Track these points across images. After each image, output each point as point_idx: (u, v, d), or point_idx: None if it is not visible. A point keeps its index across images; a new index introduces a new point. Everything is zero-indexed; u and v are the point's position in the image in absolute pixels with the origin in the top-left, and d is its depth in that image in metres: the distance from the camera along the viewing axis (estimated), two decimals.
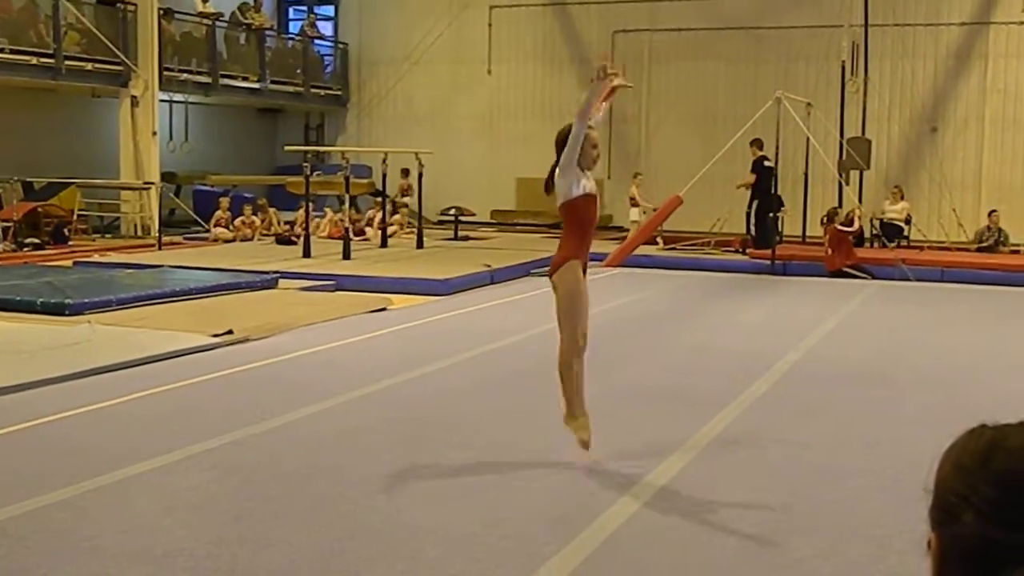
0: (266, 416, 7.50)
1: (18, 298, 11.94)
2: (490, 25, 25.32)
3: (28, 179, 20.10)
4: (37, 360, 9.12)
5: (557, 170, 6.51)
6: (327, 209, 21.72)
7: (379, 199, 20.62)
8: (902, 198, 20.71)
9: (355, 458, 6.57)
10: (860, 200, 19.71)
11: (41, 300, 11.80)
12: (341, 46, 27.34)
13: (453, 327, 11.87)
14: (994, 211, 20.16)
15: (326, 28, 27.97)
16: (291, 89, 25.75)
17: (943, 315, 13.31)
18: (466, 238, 21.53)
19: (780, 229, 19.25)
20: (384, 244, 19.22)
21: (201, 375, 8.89)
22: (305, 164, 18.44)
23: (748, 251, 18.62)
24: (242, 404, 7.95)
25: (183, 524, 5.41)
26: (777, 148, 18.22)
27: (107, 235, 20.89)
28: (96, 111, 22.31)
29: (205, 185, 23.31)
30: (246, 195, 22.44)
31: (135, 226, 21.18)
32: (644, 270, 17.24)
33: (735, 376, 9.09)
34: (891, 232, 20.15)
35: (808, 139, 19.25)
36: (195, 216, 21.46)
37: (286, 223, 21.16)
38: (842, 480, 6.22)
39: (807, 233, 19.94)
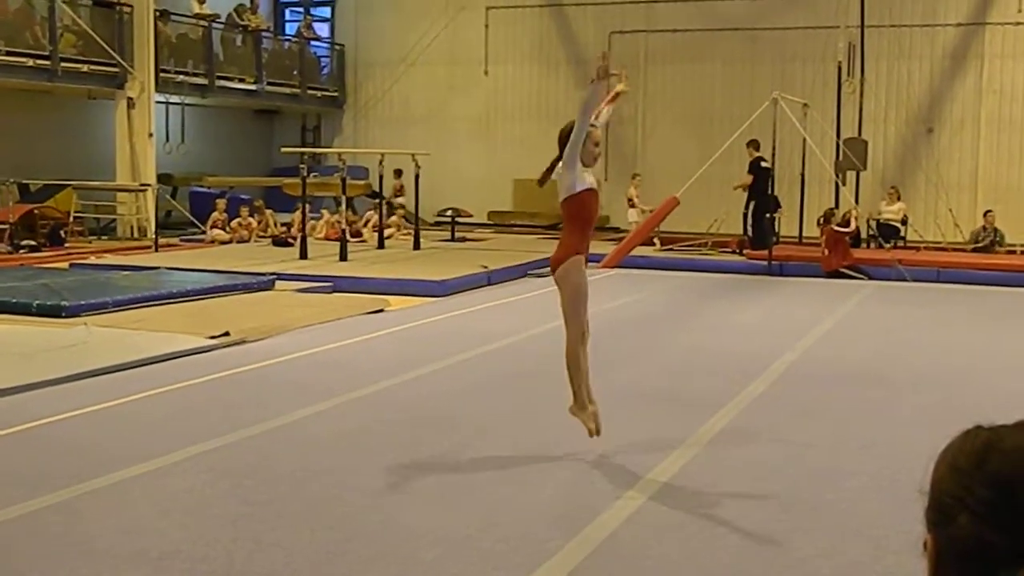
0: (268, 416, 7.49)
1: (14, 300, 11.93)
2: (486, 26, 25.33)
3: (24, 181, 20.07)
4: (33, 362, 9.11)
5: (560, 165, 6.56)
6: (324, 211, 21.71)
7: (376, 200, 20.62)
8: (898, 199, 20.72)
9: (352, 459, 6.56)
10: (856, 201, 19.71)
11: (37, 302, 11.79)
12: (337, 47, 27.33)
13: (450, 328, 11.86)
14: (990, 211, 20.18)
15: (322, 29, 27.96)
16: (287, 91, 25.74)
17: (939, 315, 13.32)
18: (463, 239, 21.54)
19: (777, 230, 19.26)
20: (381, 245, 19.22)
21: (198, 377, 8.88)
22: (302, 166, 18.43)
23: (745, 252, 18.64)
24: (239, 406, 7.95)
25: (180, 526, 5.40)
26: (774, 149, 18.22)
27: (103, 237, 20.87)
28: (92, 113, 22.30)
29: (201, 187, 23.29)
30: (243, 197, 22.42)
31: (131, 228, 21.17)
32: (641, 271, 17.25)
33: (732, 377, 9.09)
34: (887, 233, 20.16)
35: (804, 140, 19.26)
36: (192, 218, 21.46)
37: (283, 225, 21.15)
38: (840, 480, 6.22)
39: (804, 234, 19.94)
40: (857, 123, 21.54)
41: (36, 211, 19.11)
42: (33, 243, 18.33)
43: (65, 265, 16.41)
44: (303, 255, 17.23)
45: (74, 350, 9.67)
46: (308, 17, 27.48)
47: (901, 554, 4.88)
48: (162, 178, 21.84)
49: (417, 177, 19.49)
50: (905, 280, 16.38)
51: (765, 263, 17.45)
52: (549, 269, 6.90)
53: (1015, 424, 1.19)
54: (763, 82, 21.67)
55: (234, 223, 20.72)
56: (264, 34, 25.48)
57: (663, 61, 24.22)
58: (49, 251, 18.17)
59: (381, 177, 20.04)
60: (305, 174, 18.21)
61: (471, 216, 23.03)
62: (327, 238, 20.15)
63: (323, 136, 27.59)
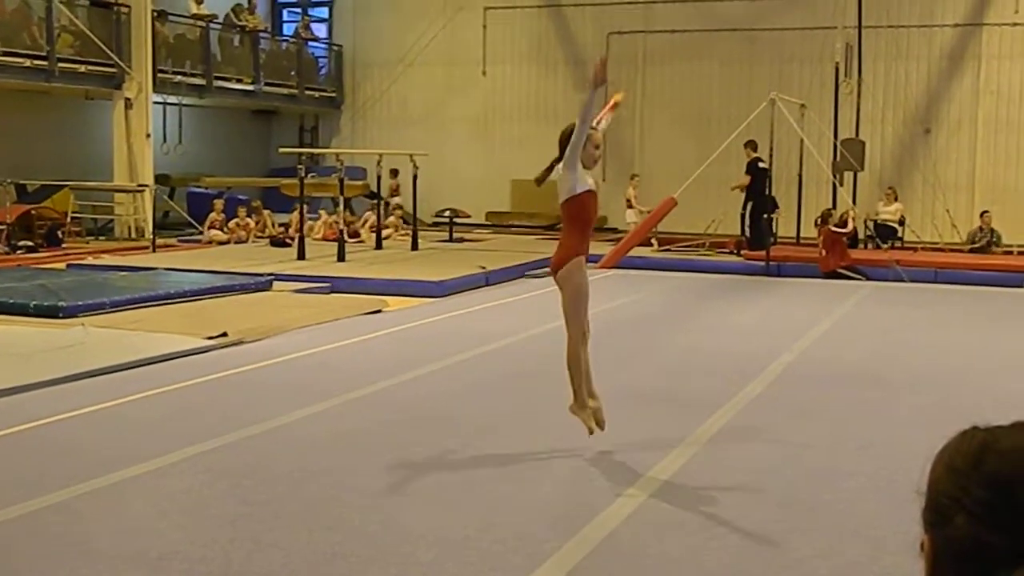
0: (266, 416, 7.50)
1: (11, 300, 11.92)
2: (484, 27, 25.33)
3: (21, 181, 20.06)
4: (31, 363, 9.10)
5: (560, 167, 6.61)
6: (321, 211, 21.70)
7: (374, 201, 20.62)
8: (896, 199, 20.74)
9: (350, 460, 6.57)
10: (854, 201, 19.73)
11: (34, 303, 11.78)
12: (335, 48, 27.34)
13: (448, 329, 11.86)
14: (986, 212, 20.20)
15: (320, 30, 27.96)
16: (285, 91, 25.74)
17: (937, 316, 13.33)
18: (461, 240, 21.54)
19: (774, 230, 19.27)
20: (379, 246, 19.22)
21: (196, 378, 8.88)
22: (299, 166, 18.45)
23: (742, 252, 18.65)
24: (237, 406, 7.95)
25: (178, 526, 5.41)
26: (771, 150, 18.23)
27: (101, 237, 20.87)
28: (90, 113, 22.29)
29: (199, 187, 23.29)
30: (240, 197, 22.41)
31: (129, 228, 21.16)
32: (639, 271, 17.26)
33: (730, 377, 9.10)
34: (885, 233, 20.17)
35: (802, 140, 19.27)
36: (189, 218, 21.46)
37: (280, 225, 21.14)
38: (837, 481, 6.23)
39: (801, 234, 19.96)
40: (854, 124, 21.56)
41: (33, 211, 19.10)
42: (30, 243, 18.33)
43: (62, 266, 16.41)
44: (301, 256, 17.22)
45: (71, 351, 9.67)
46: (306, 17, 27.48)
47: (899, 554, 4.88)
48: (160, 178, 21.83)
49: (415, 178, 19.49)
50: (902, 281, 16.39)
51: (763, 264, 17.46)
52: (549, 270, 6.92)
53: (1011, 425, 1.19)
54: (761, 83, 21.69)
55: (232, 224, 20.71)
56: (262, 34, 25.47)
57: (661, 62, 24.24)
58: (46, 251, 18.16)
59: (379, 178, 20.04)
60: (303, 174, 18.22)
61: (469, 217, 23.03)
62: (325, 239, 20.14)
63: (321, 136, 27.59)
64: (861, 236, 19.95)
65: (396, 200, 22.43)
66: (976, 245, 19.71)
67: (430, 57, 25.46)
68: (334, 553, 5.02)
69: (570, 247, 6.63)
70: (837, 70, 21.32)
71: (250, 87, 24.49)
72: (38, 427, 7.26)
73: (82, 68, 20.32)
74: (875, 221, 20.49)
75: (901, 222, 20.47)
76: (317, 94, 26.78)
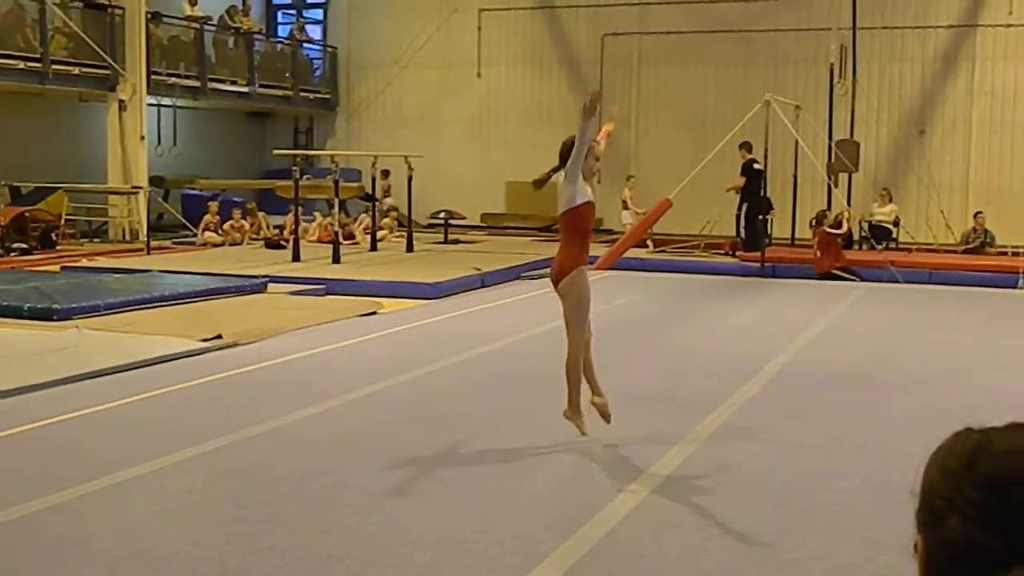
0: (263, 418, 7.49)
1: (5, 303, 11.90)
2: (479, 28, 25.33)
3: (15, 184, 20.04)
4: (26, 365, 9.09)
5: (562, 177, 6.71)
6: (316, 213, 21.68)
7: (369, 203, 20.61)
8: (890, 200, 20.76)
9: (348, 461, 6.57)
10: (848, 202, 19.75)
11: (28, 305, 11.77)
12: (330, 50, 27.33)
13: (444, 331, 11.86)
14: (979, 213, 20.23)
15: (315, 32, 27.95)
16: (280, 93, 25.71)
17: (931, 317, 13.35)
18: (456, 241, 21.53)
19: (769, 231, 19.28)
20: (374, 248, 19.21)
21: (191, 380, 8.88)
22: (294, 168, 18.44)
23: (738, 253, 18.66)
24: (235, 408, 7.95)
25: (178, 527, 5.41)
26: (766, 151, 18.24)
27: (95, 240, 20.85)
28: (84, 115, 22.26)
29: (194, 189, 23.27)
30: (235, 199, 22.39)
31: (123, 230, 21.13)
32: (634, 273, 17.27)
33: (726, 378, 9.11)
34: (879, 234, 20.19)
35: (797, 142, 19.29)
36: (184, 220, 21.43)
37: (275, 227, 21.13)
38: (832, 482, 6.24)
39: (796, 235, 19.99)
40: (849, 125, 21.59)
41: (27, 214, 19.08)
42: (24, 246, 18.30)
43: (56, 268, 16.38)
44: (296, 257, 17.22)
45: (66, 353, 9.66)
46: (300, 19, 27.47)
47: (893, 555, 4.88)
48: (154, 180, 21.81)
49: (410, 179, 19.48)
50: (897, 282, 16.41)
51: (758, 265, 17.47)
52: (550, 280, 6.99)
53: (1005, 426, 1.19)
54: (756, 84, 21.72)
55: (226, 226, 20.70)
56: (256, 36, 25.45)
57: (656, 63, 24.25)
58: (40, 254, 18.14)
59: (374, 179, 20.04)
60: (298, 176, 18.21)
61: (464, 218, 23.01)
62: (320, 240, 20.14)
63: (316, 138, 27.57)
64: (856, 237, 19.97)
65: (388, 201, 22.41)
66: (970, 246, 19.74)
67: (425, 59, 25.45)
68: (330, 556, 5.02)
69: (571, 257, 6.75)
70: (832, 71, 21.35)
71: (245, 89, 24.47)
72: (37, 428, 7.26)
73: (76, 70, 20.29)
74: (870, 222, 20.51)
75: (895, 223, 20.50)
76: (312, 96, 26.76)
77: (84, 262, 17.05)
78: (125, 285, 13.79)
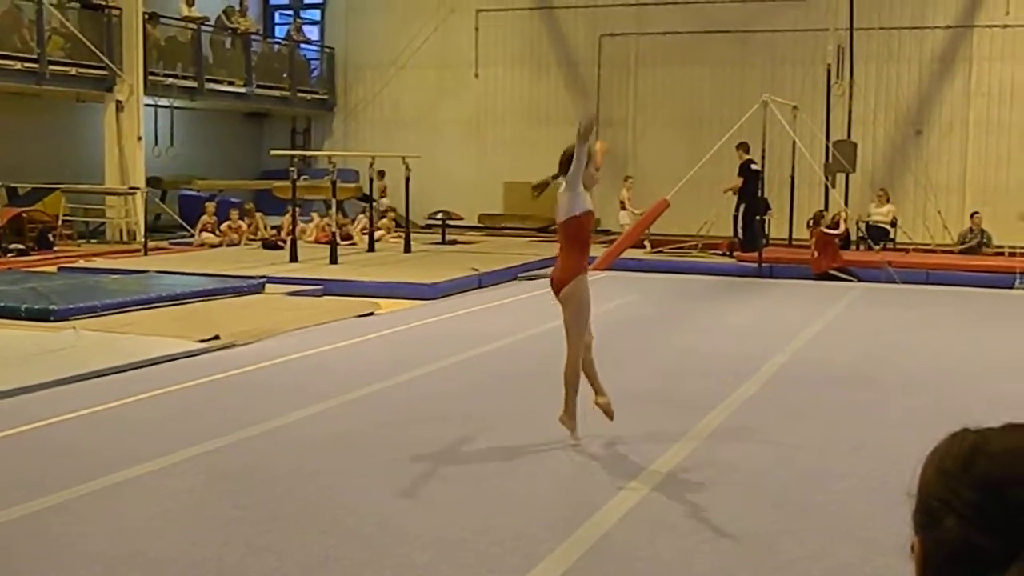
0: (261, 419, 7.49)
1: (2, 304, 11.89)
2: (477, 29, 25.32)
3: (12, 184, 20.03)
4: (24, 366, 9.08)
5: (563, 186, 6.79)
6: (314, 214, 21.69)
7: (366, 203, 20.61)
8: (888, 201, 20.78)
9: (346, 462, 6.56)
10: (846, 203, 19.76)
11: (25, 306, 11.75)
12: (327, 50, 27.32)
13: (442, 331, 11.86)
14: (976, 213, 20.25)
15: (312, 32, 27.94)
16: (277, 93, 25.70)
17: (928, 317, 13.35)
18: (453, 242, 21.53)
19: (767, 232, 19.29)
20: (371, 248, 19.20)
21: (189, 380, 8.87)
22: (292, 168, 18.43)
23: (735, 254, 18.66)
24: (232, 409, 7.94)
25: (176, 528, 5.40)
26: (763, 151, 18.26)
27: (92, 240, 20.83)
28: (81, 116, 22.25)
29: (191, 190, 23.26)
30: (232, 200, 22.38)
31: (120, 231, 21.12)
32: (632, 273, 17.26)
33: (724, 378, 9.12)
34: (877, 235, 20.21)
35: (794, 142, 19.30)
36: (181, 221, 21.42)
37: (273, 228, 21.13)
38: (830, 482, 6.24)
39: (793, 236, 20.00)
40: (846, 125, 21.60)
41: (24, 214, 19.06)
42: (21, 247, 18.29)
43: (53, 269, 16.37)
44: (293, 258, 17.21)
45: (63, 354, 9.65)
46: (298, 20, 27.46)
47: (890, 556, 4.89)
48: (151, 181, 21.79)
49: (407, 180, 19.47)
50: (894, 282, 16.42)
51: (755, 265, 17.48)
52: (550, 288, 7.03)
53: (1002, 427, 1.19)
54: (753, 84, 21.73)
55: (224, 226, 20.69)
56: (253, 37, 25.44)
57: (653, 63, 24.25)
58: (37, 255, 18.13)
59: (371, 180, 20.04)
60: (295, 177, 18.20)
61: (462, 219, 23.03)
62: (317, 241, 20.14)
63: (313, 139, 27.56)
64: (853, 237, 19.99)
65: (384, 201, 22.40)
66: (966, 245, 19.76)
67: (422, 59, 25.45)
68: (328, 556, 5.02)
69: (572, 265, 6.83)
70: (829, 72, 21.36)
71: (242, 89, 24.45)
72: (34, 429, 7.25)
73: (73, 71, 20.28)
74: (867, 222, 20.53)
75: (893, 223, 20.51)
76: (309, 96, 26.75)
77: (81, 263, 17.04)
78: (122, 286, 13.79)
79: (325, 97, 27.10)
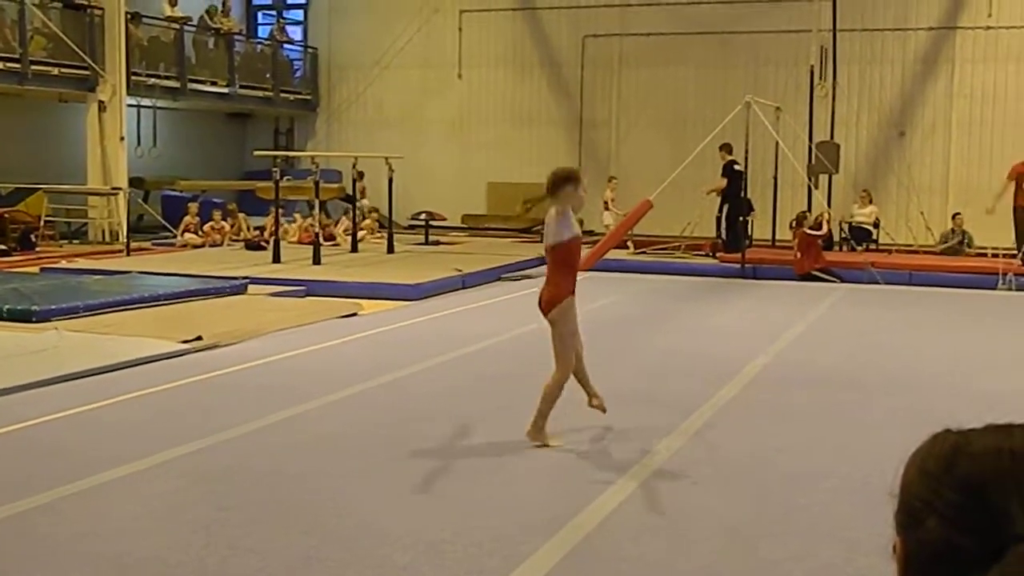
0: (243, 420, 7.46)
1: None
2: (460, 29, 25.31)
3: None
4: (4, 367, 9.03)
5: (552, 213, 6.85)
6: (297, 214, 21.65)
7: (349, 204, 20.58)
8: (870, 202, 20.84)
9: (327, 463, 6.55)
10: (829, 204, 19.80)
11: (7, 307, 11.69)
12: (311, 51, 27.27)
13: (425, 332, 11.85)
14: (958, 214, 20.31)
15: (295, 33, 27.88)
16: (260, 94, 25.64)
17: (911, 318, 13.40)
18: (437, 243, 21.51)
19: (749, 233, 19.33)
20: (354, 249, 19.17)
21: (172, 381, 8.85)
22: (275, 169, 18.38)
23: (718, 255, 18.69)
24: (214, 410, 7.92)
25: (154, 531, 5.38)
26: (746, 152, 18.29)
27: (75, 241, 20.75)
28: (63, 116, 22.15)
29: (174, 190, 23.19)
30: (215, 200, 22.33)
31: (103, 232, 21.03)
32: (615, 274, 17.27)
33: (706, 379, 9.13)
34: (860, 236, 20.27)
35: (777, 143, 19.34)
36: (164, 222, 21.35)
37: (256, 228, 21.07)
38: (812, 483, 6.25)
39: (776, 237, 20.03)
40: (829, 127, 21.64)
41: (6, 215, 18.99)
42: (3, 247, 18.20)
43: (36, 269, 16.30)
44: (276, 259, 17.17)
45: (45, 355, 9.61)
46: (281, 20, 27.39)
47: (872, 556, 4.90)
48: (134, 182, 21.70)
49: (391, 180, 19.44)
50: (877, 283, 16.47)
51: (738, 266, 17.51)
52: (539, 309, 7.07)
53: (984, 427, 1.19)
54: (736, 86, 21.76)
55: (207, 227, 20.64)
56: (236, 37, 25.37)
57: (637, 64, 24.28)
58: (20, 255, 18.04)
59: (355, 181, 20.00)
60: (278, 177, 18.16)
61: (445, 219, 23.01)
62: (300, 242, 20.09)
63: (296, 139, 27.51)
64: (836, 238, 20.03)
65: (364, 202, 22.36)
66: (947, 245, 19.83)
67: (405, 60, 25.42)
68: (310, 557, 5.01)
69: (561, 287, 6.90)
70: (812, 73, 21.40)
71: (225, 90, 24.39)
72: (16, 430, 7.22)
73: (55, 71, 20.19)
74: (850, 223, 20.59)
75: (876, 224, 20.56)
76: (292, 97, 26.70)
77: (63, 263, 16.98)
78: (105, 287, 13.73)
79: (308, 97, 27.05)
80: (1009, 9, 21.85)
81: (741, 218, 18.50)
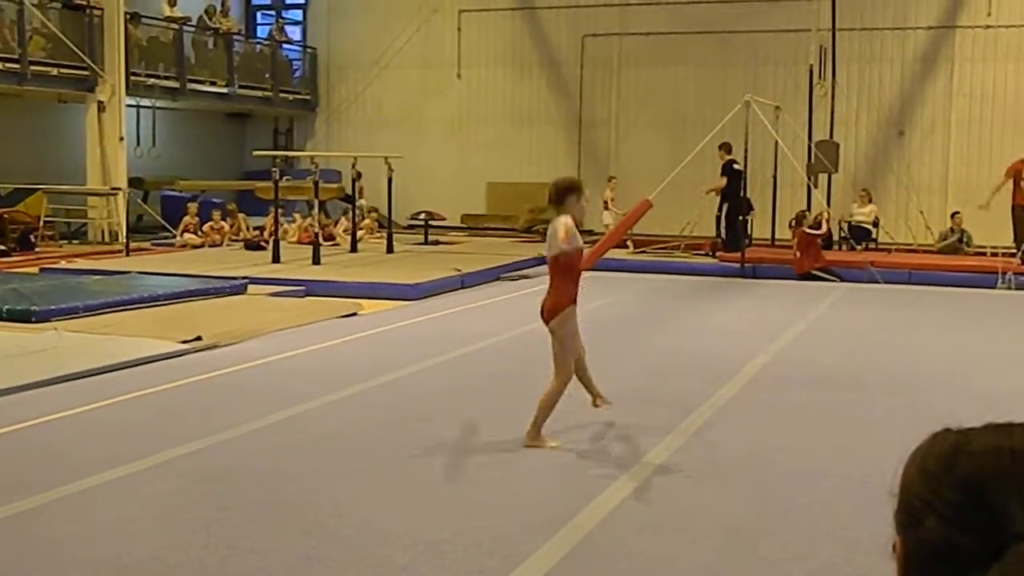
0: (243, 420, 7.46)
1: None
2: (459, 29, 25.31)
3: None
4: (3, 367, 9.03)
5: (559, 225, 6.83)
6: (296, 214, 21.65)
7: (349, 204, 20.57)
8: (870, 201, 20.83)
9: (327, 463, 6.55)
10: (828, 203, 19.80)
11: (7, 307, 11.69)
12: (310, 50, 27.26)
13: (425, 331, 11.85)
14: (957, 213, 20.31)
15: (294, 32, 27.87)
16: (260, 94, 25.63)
17: (911, 317, 13.39)
18: (436, 243, 21.51)
19: (749, 232, 19.33)
20: (354, 249, 19.17)
21: (172, 382, 8.84)
22: (274, 169, 18.38)
23: (718, 254, 18.69)
24: (213, 410, 7.92)
25: (153, 531, 5.37)
26: (746, 152, 18.29)
27: (74, 241, 20.75)
28: (62, 116, 22.14)
29: (173, 190, 23.19)
30: (215, 200, 22.32)
31: (102, 232, 21.03)
32: (614, 274, 17.25)
33: (706, 379, 9.13)
34: (859, 235, 20.27)
35: (777, 142, 19.33)
36: (163, 222, 21.35)
37: (255, 228, 21.07)
38: (812, 483, 6.24)
39: (776, 236, 20.03)
40: (829, 126, 21.64)
41: (6, 215, 18.98)
42: (3, 248, 18.20)
43: (35, 270, 16.30)
44: (276, 259, 17.17)
45: (44, 355, 9.61)
46: (280, 20, 27.37)
47: (872, 556, 4.90)
48: (133, 182, 21.70)
49: (390, 180, 19.44)
50: (877, 282, 16.46)
51: (738, 265, 17.51)
52: (541, 317, 7.07)
53: (984, 427, 1.19)
54: (735, 85, 21.75)
55: (206, 227, 20.63)
56: (235, 37, 25.37)
57: (636, 64, 24.27)
58: (19, 256, 18.04)
59: (354, 181, 20.01)
60: (277, 178, 18.15)
61: (444, 219, 23.00)
62: (300, 242, 20.08)
63: (295, 139, 27.50)
64: (835, 238, 20.03)
65: (361, 202, 22.35)
66: (946, 243, 19.84)
67: (405, 60, 25.41)
68: (310, 557, 5.00)
69: (563, 296, 6.93)
70: (811, 72, 21.40)
71: (224, 90, 24.38)
72: (14, 431, 7.22)
73: (54, 71, 20.19)
74: (849, 223, 20.58)
75: (875, 223, 20.56)
76: (291, 97, 26.69)
77: (63, 264, 16.98)
78: (104, 287, 13.73)
79: (307, 97, 27.04)
80: (1008, 8, 21.85)
81: (741, 217, 18.50)
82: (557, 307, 6.92)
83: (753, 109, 18.10)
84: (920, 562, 1.15)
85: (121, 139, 21.04)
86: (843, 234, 20.44)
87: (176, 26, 23.29)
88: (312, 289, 14.59)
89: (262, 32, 28.02)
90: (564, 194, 6.88)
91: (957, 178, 22.36)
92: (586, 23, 24.45)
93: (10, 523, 5.45)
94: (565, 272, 6.96)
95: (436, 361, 9.95)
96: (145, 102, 23.23)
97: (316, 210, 18.39)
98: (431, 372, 9.52)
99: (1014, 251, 17.41)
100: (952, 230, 20.09)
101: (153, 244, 20.39)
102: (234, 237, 20.82)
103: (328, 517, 5.55)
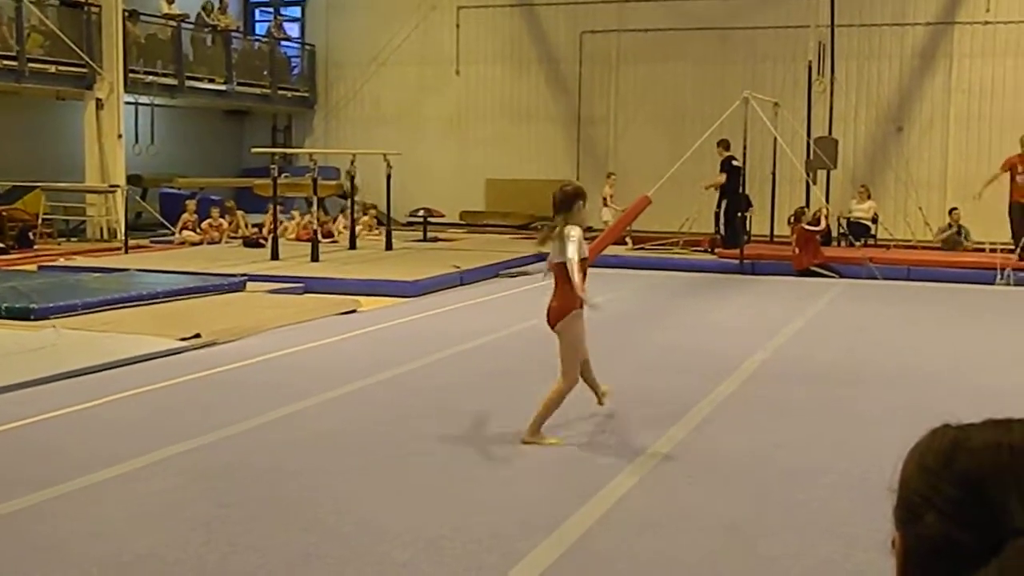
0: (242, 417, 7.46)
1: None
2: (458, 26, 25.30)
3: None
4: (2, 365, 9.03)
5: (570, 235, 6.87)
6: (295, 211, 21.64)
7: (347, 201, 20.57)
8: (869, 197, 20.83)
9: (326, 460, 6.55)
10: (827, 199, 19.80)
11: (5, 305, 11.69)
12: (308, 47, 27.25)
13: (424, 328, 11.85)
14: (955, 209, 20.32)
15: (293, 29, 27.86)
16: (258, 91, 25.63)
17: (909, 313, 13.39)
18: (435, 239, 21.51)
19: (748, 229, 19.33)
20: (352, 246, 19.17)
21: (171, 379, 8.84)
22: (272, 166, 18.36)
23: (717, 251, 18.69)
24: (212, 408, 7.91)
25: (152, 529, 5.37)
26: (745, 148, 18.28)
27: (72, 239, 20.74)
28: (60, 114, 22.14)
29: (172, 188, 23.18)
30: (213, 197, 22.32)
31: (101, 229, 21.03)
32: (613, 270, 17.24)
33: (705, 375, 9.12)
34: (858, 231, 20.26)
35: (775, 139, 19.33)
36: (162, 219, 21.35)
37: (254, 225, 21.06)
38: (811, 479, 6.25)
39: (775, 232, 20.03)
40: (827, 122, 21.64)
41: (4, 213, 18.97)
42: (1, 245, 18.19)
43: (34, 267, 16.30)
44: (274, 256, 17.16)
45: (43, 353, 9.60)
46: (278, 17, 27.36)
47: (871, 552, 4.90)
48: (132, 179, 21.70)
49: (389, 177, 19.44)
50: (876, 278, 16.46)
51: (737, 262, 17.51)
52: (547, 321, 7.11)
53: (982, 422, 1.19)
54: (734, 81, 21.73)
55: (204, 224, 20.62)
56: (234, 34, 25.36)
57: (635, 60, 24.27)
58: (18, 253, 18.03)
59: (352, 178, 19.99)
60: (276, 175, 18.14)
61: (443, 216, 23.00)
62: (298, 239, 20.06)
63: (294, 136, 27.49)
64: (834, 234, 20.03)
65: (357, 199, 22.33)
66: (944, 236, 19.85)
67: (403, 56, 25.40)
68: (309, 554, 5.01)
69: (568, 299, 6.96)
70: (810, 69, 21.41)
71: (222, 87, 24.38)
72: (11, 429, 7.22)
73: (53, 68, 20.18)
74: (848, 219, 20.57)
75: (874, 220, 20.56)
76: (290, 94, 26.68)
77: (62, 261, 16.97)
78: (103, 284, 13.72)
79: (306, 94, 27.03)
80: (1007, 4, 21.85)
81: (739, 214, 18.49)
82: (563, 311, 6.96)
83: (752, 105, 18.09)
84: (919, 558, 1.15)
85: (119, 136, 21.03)
86: (842, 230, 20.43)
87: (174, 23, 23.28)
88: (311, 286, 14.59)
89: (260, 29, 28.01)
90: (571, 201, 6.95)
91: (956, 174, 22.36)
92: (585, 19, 24.45)
93: (9, 520, 5.45)
94: (568, 279, 6.96)
95: (435, 358, 9.95)
96: (143, 99, 23.22)
97: (315, 207, 18.38)
98: (430, 369, 9.52)
99: (1012, 247, 17.41)
100: (950, 226, 20.10)
101: (152, 241, 20.39)
102: (233, 234, 20.82)
103: (327, 514, 5.56)
